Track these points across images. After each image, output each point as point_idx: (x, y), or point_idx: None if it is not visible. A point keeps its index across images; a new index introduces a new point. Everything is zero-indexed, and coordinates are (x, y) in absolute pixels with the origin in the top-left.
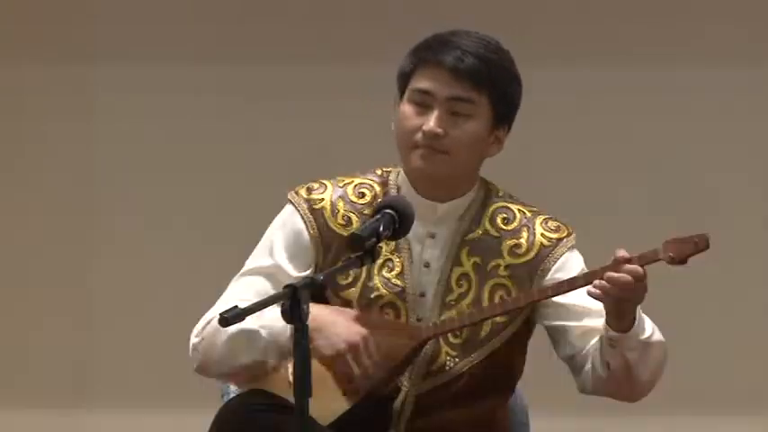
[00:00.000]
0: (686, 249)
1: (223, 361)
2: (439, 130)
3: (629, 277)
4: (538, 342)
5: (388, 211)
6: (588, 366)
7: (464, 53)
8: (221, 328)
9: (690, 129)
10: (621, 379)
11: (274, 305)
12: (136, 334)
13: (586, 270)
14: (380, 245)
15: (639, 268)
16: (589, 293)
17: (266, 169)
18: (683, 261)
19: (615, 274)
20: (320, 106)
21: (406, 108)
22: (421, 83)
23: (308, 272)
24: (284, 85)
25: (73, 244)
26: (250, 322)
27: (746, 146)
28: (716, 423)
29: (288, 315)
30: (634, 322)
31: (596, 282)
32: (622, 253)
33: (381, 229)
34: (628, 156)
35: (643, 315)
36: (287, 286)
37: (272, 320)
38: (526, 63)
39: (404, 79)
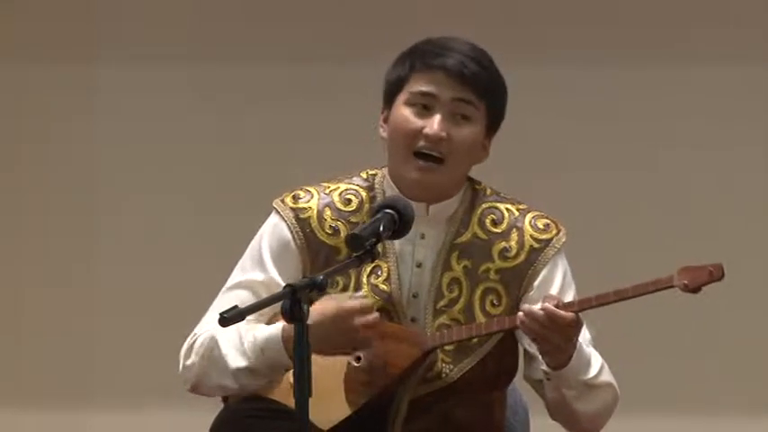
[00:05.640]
0: (701, 278)
1: (224, 388)
2: (443, 134)
3: (541, 320)
4: None
5: (388, 210)
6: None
7: (466, 59)
8: (215, 355)
9: (689, 129)
10: (562, 413)
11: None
12: (137, 334)
13: (569, 275)
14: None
15: (563, 314)
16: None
17: (267, 169)
18: (696, 289)
19: (535, 312)
20: (321, 106)
21: (405, 111)
22: (422, 86)
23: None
24: (284, 85)
25: (73, 244)
26: (243, 355)
27: (746, 146)
28: (716, 423)
29: (288, 315)
30: (569, 361)
31: (520, 314)
32: (555, 301)
33: (381, 229)
34: (629, 156)
35: (590, 355)
36: (287, 286)
37: (266, 349)
38: (527, 61)
39: (398, 84)
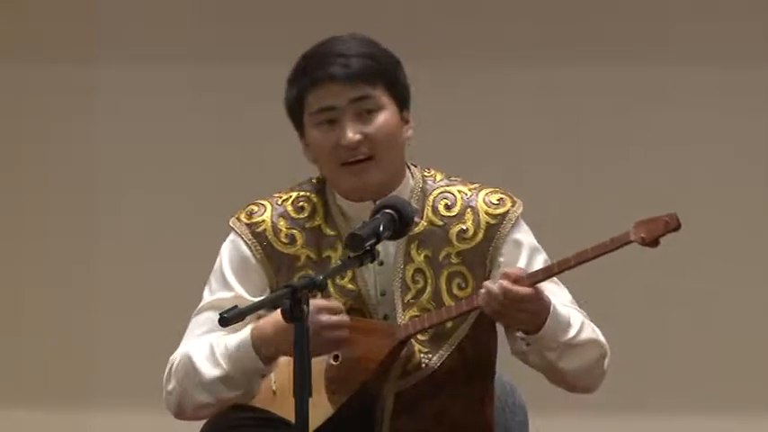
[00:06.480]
0: (657, 229)
1: (206, 407)
2: (356, 137)
3: (498, 298)
4: None
5: (387, 210)
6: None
7: (347, 57)
8: (190, 371)
9: (674, 124)
10: (549, 375)
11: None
12: (137, 334)
13: (534, 242)
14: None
15: (517, 289)
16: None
17: (267, 169)
18: (654, 241)
19: (491, 289)
20: None
21: (315, 133)
22: (318, 103)
23: (264, 295)
24: (284, 85)
25: (73, 244)
26: (217, 364)
27: (732, 143)
28: (716, 423)
29: (288, 315)
30: (544, 324)
31: (481, 291)
32: (516, 271)
33: (381, 228)
34: (612, 151)
35: (569, 315)
36: (286, 286)
37: (238, 355)
38: (529, 60)
39: (297, 108)
